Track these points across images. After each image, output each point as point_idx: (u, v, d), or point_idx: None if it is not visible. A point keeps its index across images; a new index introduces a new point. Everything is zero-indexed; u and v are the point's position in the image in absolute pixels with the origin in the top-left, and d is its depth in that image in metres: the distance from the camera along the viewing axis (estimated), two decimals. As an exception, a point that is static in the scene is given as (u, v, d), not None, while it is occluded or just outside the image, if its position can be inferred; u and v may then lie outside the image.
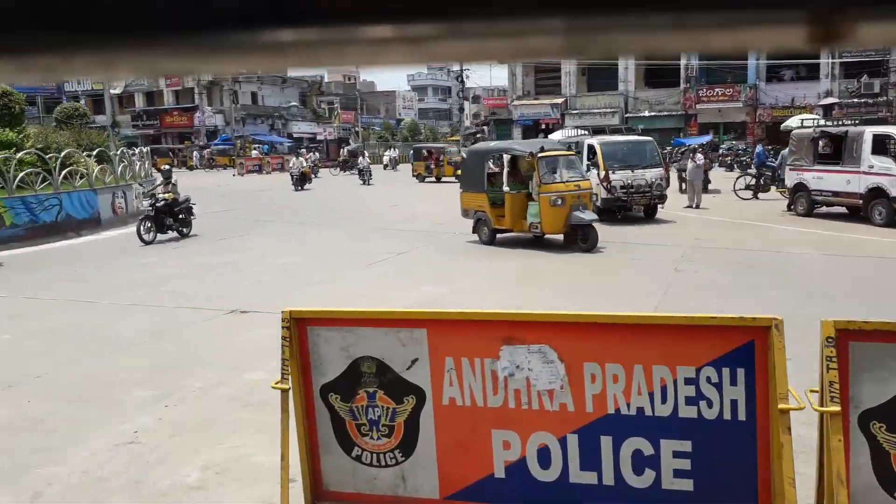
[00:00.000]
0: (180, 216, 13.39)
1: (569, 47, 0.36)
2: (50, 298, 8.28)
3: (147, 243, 12.38)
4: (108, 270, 10.33)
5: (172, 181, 13.57)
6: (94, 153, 16.84)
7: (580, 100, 38.72)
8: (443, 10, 0.33)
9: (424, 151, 30.84)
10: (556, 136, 29.97)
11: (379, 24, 0.34)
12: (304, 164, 26.57)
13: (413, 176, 30.38)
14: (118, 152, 18.19)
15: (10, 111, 19.92)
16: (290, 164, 26.76)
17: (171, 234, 13.19)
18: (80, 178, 15.53)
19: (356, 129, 56.03)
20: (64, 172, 14.87)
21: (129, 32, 0.37)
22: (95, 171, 16.30)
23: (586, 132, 18.75)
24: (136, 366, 5.60)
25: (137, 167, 19.36)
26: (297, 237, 13.49)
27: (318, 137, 51.29)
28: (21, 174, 13.91)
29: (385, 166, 39.06)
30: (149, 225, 12.73)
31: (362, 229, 14.20)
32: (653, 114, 36.79)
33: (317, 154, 39.00)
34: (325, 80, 58.58)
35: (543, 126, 38.49)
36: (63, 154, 15.28)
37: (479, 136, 43.84)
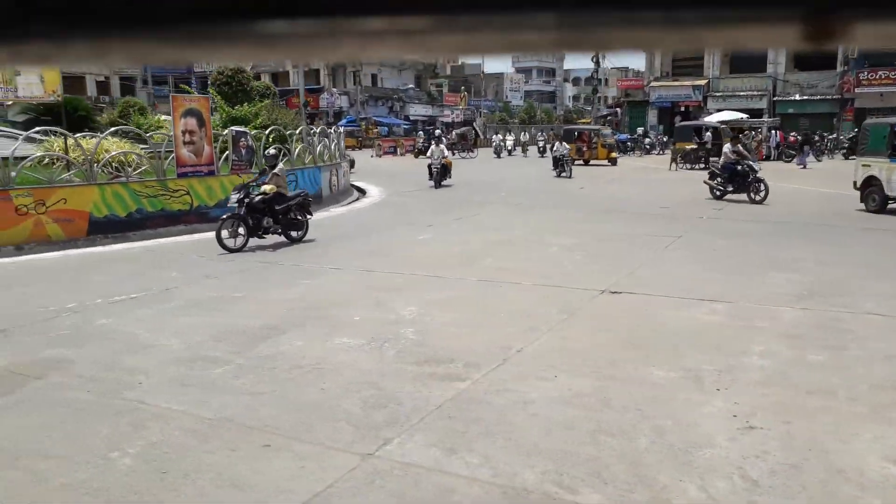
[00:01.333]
0: (289, 216, 10.45)
1: (561, 42, 0.36)
2: (408, 272, 8.13)
3: (231, 251, 9.56)
4: (395, 245, 10.52)
5: (277, 170, 10.52)
6: (318, 130, 17.31)
7: (724, 82, 37.30)
8: (435, 3, 0.33)
9: (575, 133, 30.34)
10: (713, 118, 28.58)
11: (372, 16, 0.34)
12: (445, 152, 20.31)
13: None
14: (318, 130, 17.73)
15: (242, 88, 20.70)
16: (429, 153, 20.13)
17: (272, 237, 10.37)
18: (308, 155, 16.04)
19: (481, 110, 55.36)
20: (298, 149, 15.45)
21: (122, 21, 0.37)
22: (318, 148, 16.64)
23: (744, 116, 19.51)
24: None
25: (333, 146, 18.30)
26: (553, 219, 13.01)
27: (446, 120, 51.05)
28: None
29: (506, 150, 36.12)
30: (235, 227, 9.84)
31: (596, 212, 13.76)
32: (804, 98, 35.25)
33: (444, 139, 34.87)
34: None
35: (682, 109, 37.42)
36: (299, 130, 16.05)
37: (609, 118, 43.46)
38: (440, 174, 19.39)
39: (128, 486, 3.37)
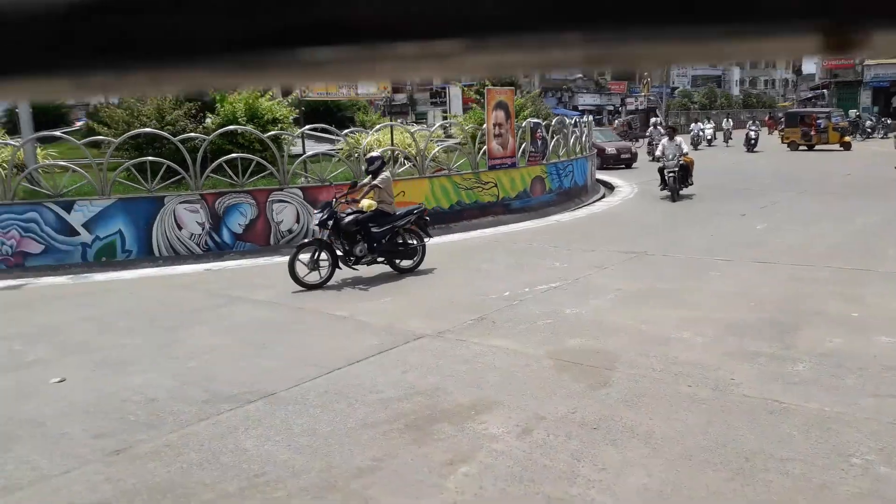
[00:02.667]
0: (396, 240, 8.61)
1: (588, 59, 0.38)
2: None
3: (309, 286, 8.01)
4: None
5: (379, 180, 8.49)
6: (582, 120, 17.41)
7: (955, 57, 35.95)
8: (464, 27, 0.35)
9: (799, 117, 30.10)
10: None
11: (406, 41, 0.36)
12: (684, 147, 15.19)
13: (784, 144, 30.12)
14: (573, 121, 17.44)
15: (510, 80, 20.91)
16: (659, 151, 15.28)
17: (363, 266, 8.59)
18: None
19: (663, 96, 55.21)
20: (553, 142, 15.82)
21: (175, 52, 0.40)
22: (571, 140, 16.80)
23: None
24: None
25: (584, 138, 17.64)
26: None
27: (630, 107, 50.98)
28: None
29: (705, 140, 32.83)
30: (316, 256, 8.08)
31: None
32: None
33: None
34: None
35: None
36: (555, 122, 16.46)
37: (814, 100, 42.43)
38: (679, 180, 14.88)
39: None
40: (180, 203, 10.85)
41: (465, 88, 32.47)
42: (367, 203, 8.46)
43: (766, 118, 48.59)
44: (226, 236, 11.18)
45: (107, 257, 10.60)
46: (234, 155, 11.26)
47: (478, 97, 19.92)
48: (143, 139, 11.01)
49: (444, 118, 31.95)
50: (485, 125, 14.44)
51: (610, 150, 24.30)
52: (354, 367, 5.52)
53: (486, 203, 14.07)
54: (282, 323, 6.99)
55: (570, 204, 16.04)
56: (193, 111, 11.79)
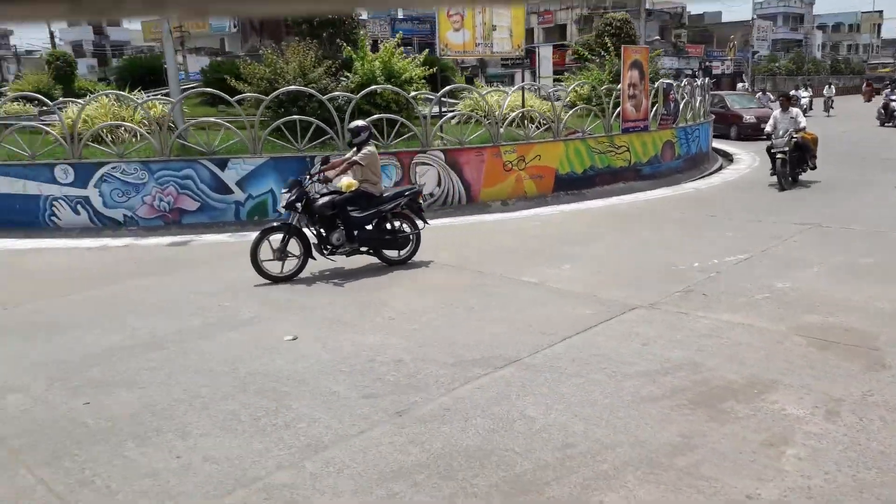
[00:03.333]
0: (383, 227, 7.47)
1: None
2: None
3: (275, 279, 7.04)
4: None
5: (361, 155, 7.32)
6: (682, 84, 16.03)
7: None
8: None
9: None
10: None
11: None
12: (801, 120, 12.02)
13: None
14: (680, 83, 16.15)
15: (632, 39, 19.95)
16: (770, 124, 12.19)
17: (338, 258, 7.49)
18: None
19: (749, 60, 53.82)
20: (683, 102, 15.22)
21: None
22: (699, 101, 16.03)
23: None
24: None
25: (697, 103, 16.15)
26: None
27: (715, 72, 49.99)
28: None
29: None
30: (283, 244, 7.05)
31: None
32: None
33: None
34: (687, 10, 56.93)
35: None
36: (683, 83, 15.79)
37: None
38: (794, 162, 11.89)
39: None
40: (328, 163, 10.83)
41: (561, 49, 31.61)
42: (346, 182, 7.17)
43: (866, 84, 45.78)
44: (370, 198, 11.13)
45: (258, 216, 10.72)
46: (379, 115, 11.15)
47: (586, 55, 19.26)
48: (286, 97, 10.98)
49: (533, 80, 31.30)
50: (604, 85, 13.94)
51: (748, 117, 21.22)
52: (586, 337, 5.34)
53: (619, 168, 13.64)
54: (470, 286, 6.87)
55: (695, 172, 15.42)
56: (333, 69, 11.71)
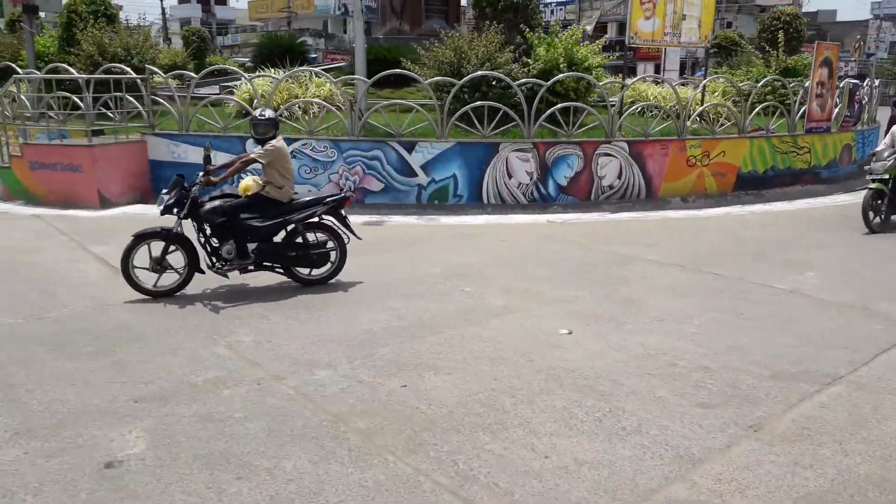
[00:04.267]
0: (294, 240, 6.34)
1: None
2: None
3: (152, 293, 6.01)
4: None
5: (263, 151, 6.16)
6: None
7: None
8: None
9: None
10: None
11: None
12: None
13: None
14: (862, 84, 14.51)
15: (798, 35, 18.49)
16: (887, 141, 9.55)
17: (233, 272, 6.28)
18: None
19: (874, 62, 52.00)
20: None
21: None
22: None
23: None
24: None
25: (873, 105, 14.89)
26: None
27: (839, 73, 48.04)
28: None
29: None
30: (162, 254, 6.00)
31: None
32: None
33: None
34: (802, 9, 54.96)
35: None
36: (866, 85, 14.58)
37: None
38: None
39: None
40: (513, 151, 10.61)
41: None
42: (242, 185, 6.19)
43: None
44: (551, 188, 10.84)
45: (439, 200, 10.62)
46: (568, 104, 10.82)
47: (741, 47, 18.22)
48: (469, 83, 10.77)
49: (657, 73, 30.13)
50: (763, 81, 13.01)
51: None
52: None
53: (798, 170, 12.83)
54: (723, 290, 6.45)
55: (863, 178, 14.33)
56: (517, 55, 11.44)
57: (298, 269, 6.38)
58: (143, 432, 3.71)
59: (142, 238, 5.99)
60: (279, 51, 24.18)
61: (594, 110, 11.11)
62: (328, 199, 6.37)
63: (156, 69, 11.95)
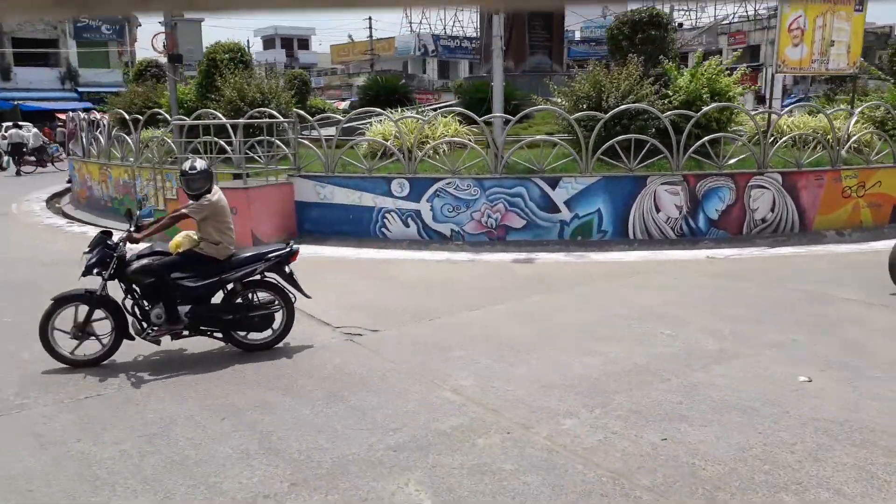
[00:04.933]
0: (234, 302, 5.76)
1: None
2: None
3: (75, 363, 5.41)
4: None
5: (196, 206, 5.66)
6: None
7: None
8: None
9: None
10: None
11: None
12: None
13: None
14: None
15: None
16: None
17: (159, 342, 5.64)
18: None
19: None
20: None
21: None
22: None
23: None
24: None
25: None
26: None
27: None
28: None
29: None
30: (85, 318, 5.43)
31: None
32: None
33: None
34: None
35: None
36: None
37: None
38: None
39: None
40: (662, 184, 10.32)
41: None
42: (176, 240, 5.68)
43: None
44: (701, 222, 10.46)
45: (581, 236, 10.41)
46: (717, 135, 10.49)
47: (872, 73, 17.30)
48: (624, 116, 10.54)
49: (758, 101, 29.10)
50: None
51: None
52: None
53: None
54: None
55: None
56: (659, 87, 11.21)
57: (237, 332, 5.73)
58: (418, 485, 3.62)
59: (62, 302, 5.40)
60: (384, 92, 24.83)
61: (745, 140, 10.71)
62: (270, 255, 5.74)
63: (303, 113, 12.34)
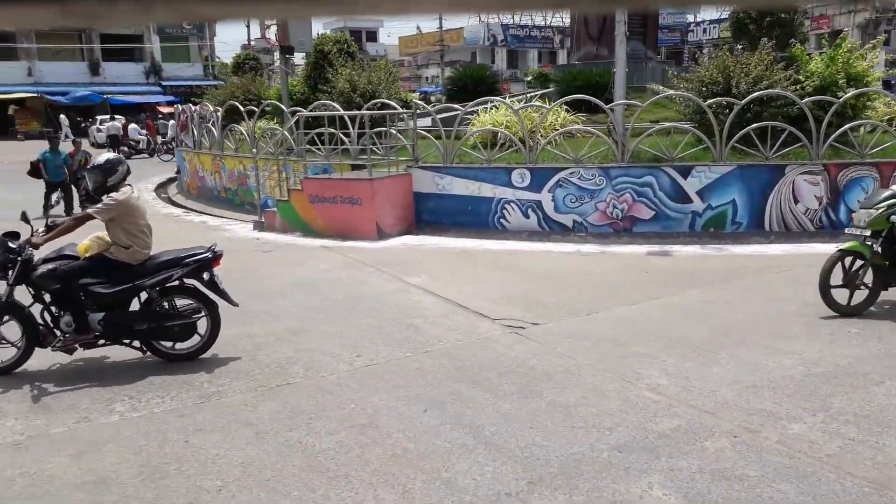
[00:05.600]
0: (153, 308, 5.40)
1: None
2: None
3: None
4: None
5: (103, 206, 5.23)
6: None
7: None
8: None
9: None
10: None
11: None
12: None
13: None
14: None
15: None
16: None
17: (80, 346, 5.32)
18: None
19: None
20: None
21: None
22: None
23: None
24: None
25: None
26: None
27: None
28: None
29: None
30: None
31: None
32: None
33: None
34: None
35: None
36: None
37: None
38: (881, 274, 6.24)
39: None
40: (801, 173, 9.83)
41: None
42: (84, 244, 5.24)
43: None
44: (842, 213, 9.91)
45: (714, 228, 10.02)
46: (864, 121, 9.93)
47: None
48: (754, 102, 10.07)
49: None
50: None
51: None
52: None
53: None
54: None
55: None
56: (790, 73, 10.66)
57: (158, 342, 5.35)
58: (663, 488, 3.47)
59: None
60: (471, 82, 24.69)
61: (887, 127, 10.07)
62: (188, 260, 5.27)
63: (421, 103, 12.32)
